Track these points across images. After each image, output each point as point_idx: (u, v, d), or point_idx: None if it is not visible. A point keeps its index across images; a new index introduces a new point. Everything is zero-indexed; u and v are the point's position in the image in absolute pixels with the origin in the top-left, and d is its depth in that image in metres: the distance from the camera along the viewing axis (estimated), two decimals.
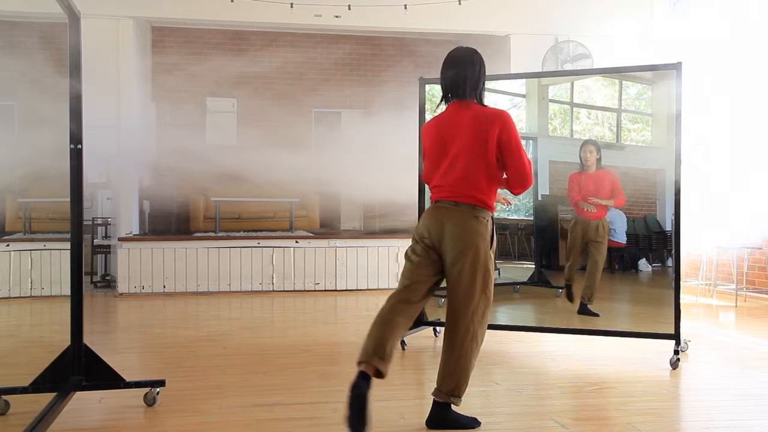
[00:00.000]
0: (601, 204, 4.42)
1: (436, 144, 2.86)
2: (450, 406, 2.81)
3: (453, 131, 2.81)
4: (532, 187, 4.70)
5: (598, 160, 4.43)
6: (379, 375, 2.67)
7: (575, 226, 4.52)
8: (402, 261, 7.37)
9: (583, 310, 4.44)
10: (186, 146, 7.44)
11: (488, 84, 4.91)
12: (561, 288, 4.67)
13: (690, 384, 3.72)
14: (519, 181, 2.83)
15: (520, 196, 4.93)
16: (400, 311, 2.77)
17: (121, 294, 7.16)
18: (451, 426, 2.80)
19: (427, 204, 3.00)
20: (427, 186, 3.05)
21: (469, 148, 2.76)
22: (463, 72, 2.84)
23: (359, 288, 7.46)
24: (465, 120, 2.79)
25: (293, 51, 9.55)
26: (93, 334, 4.93)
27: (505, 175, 2.88)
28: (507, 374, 3.81)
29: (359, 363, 2.67)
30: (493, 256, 2.84)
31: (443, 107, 2.94)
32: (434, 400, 2.83)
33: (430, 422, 2.81)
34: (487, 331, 4.68)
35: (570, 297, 4.57)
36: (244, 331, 5.16)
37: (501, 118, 2.78)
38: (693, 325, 5.42)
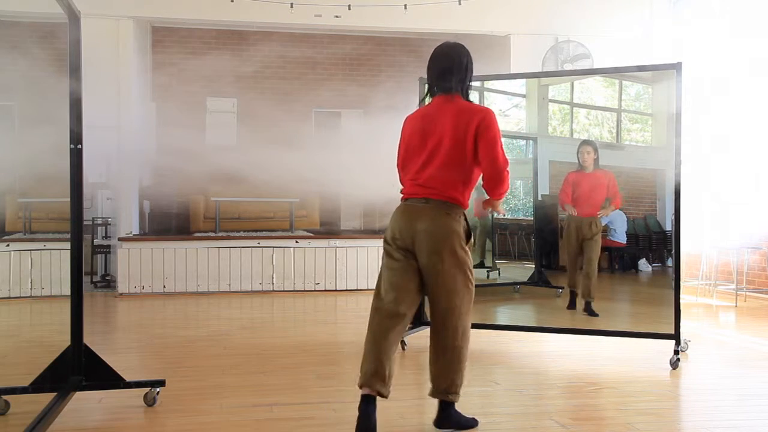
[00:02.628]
0: (607, 213, 4.43)
1: (416, 135, 2.81)
2: (453, 404, 2.79)
3: (435, 124, 2.77)
4: (531, 187, 4.75)
5: (596, 160, 4.44)
6: (382, 395, 2.67)
7: (569, 224, 4.53)
8: None
9: (587, 309, 4.45)
10: (186, 146, 7.44)
11: (488, 84, 4.93)
12: (561, 288, 4.67)
13: (690, 384, 3.72)
14: (493, 177, 2.72)
15: (521, 196, 4.94)
16: (392, 327, 2.74)
17: (121, 294, 7.16)
18: (455, 426, 2.79)
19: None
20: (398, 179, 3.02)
21: (449, 142, 2.72)
22: (449, 66, 2.81)
23: (359, 288, 7.46)
24: (448, 114, 2.76)
25: (293, 51, 9.55)
26: (93, 334, 4.93)
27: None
28: (507, 374, 3.81)
29: (361, 386, 2.67)
30: (470, 251, 2.79)
31: (428, 101, 2.92)
32: (439, 401, 2.79)
33: (438, 422, 2.78)
34: (488, 331, 4.71)
35: (573, 304, 4.55)
36: (244, 331, 5.16)
37: (483, 113, 2.74)
38: (693, 325, 5.41)
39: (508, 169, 2.75)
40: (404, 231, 2.75)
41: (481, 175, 2.78)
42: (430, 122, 2.79)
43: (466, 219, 2.79)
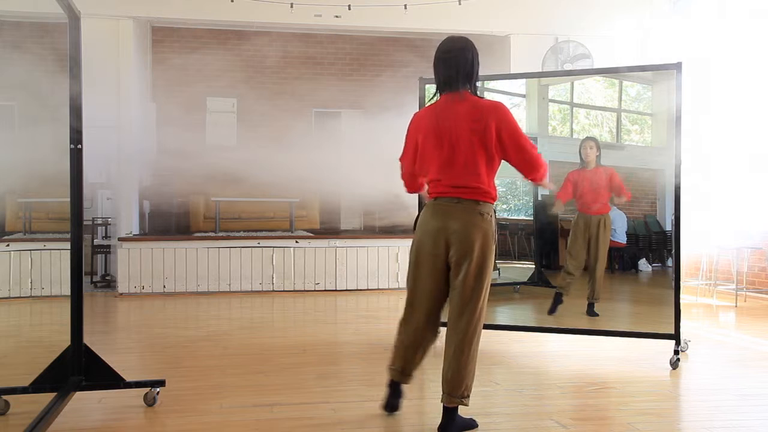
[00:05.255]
0: (621, 203, 4.42)
1: (431, 135, 2.79)
2: (457, 408, 2.76)
3: (449, 122, 2.76)
4: (531, 187, 4.74)
5: (598, 157, 4.44)
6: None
7: (577, 221, 4.51)
8: (402, 261, 7.40)
9: (590, 311, 4.44)
10: (186, 146, 7.44)
11: (488, 84, 4.93)
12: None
13: (690, 384, 3.72)
14: (529, 169, 2.78)
15: (521, 196, 4.94)
16: (430, 339, 2.93)
17: (121, 294, 7.16)
18: (460, 429, 2.77)
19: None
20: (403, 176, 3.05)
21: (468, 139, 2.72)
22: (455, 61, 2.79)
23: (359, 288, 7.46)
24: (461, 111, 2.75)
25: (293, 51, 9.55)
26: (93, 334, 4.93)
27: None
28: (507, 374, 3.81)
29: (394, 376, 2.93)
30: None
31: (436, 99, 2.89)
32: (444, 407, 2.74)
33: (443, 428, 2.73)
34: (488, 331, 4.71)
35: (554, 309, 4.51)
36: (244, 331, 5.16)
37: (497, 111, 2.73)
38: (693, 325, 5.42)
39: (537, 152, 2.78)
40: (436, 233, 2.76)
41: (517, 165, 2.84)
42: (444, 121, 2.77)
43: (495, 215, 2.81)
